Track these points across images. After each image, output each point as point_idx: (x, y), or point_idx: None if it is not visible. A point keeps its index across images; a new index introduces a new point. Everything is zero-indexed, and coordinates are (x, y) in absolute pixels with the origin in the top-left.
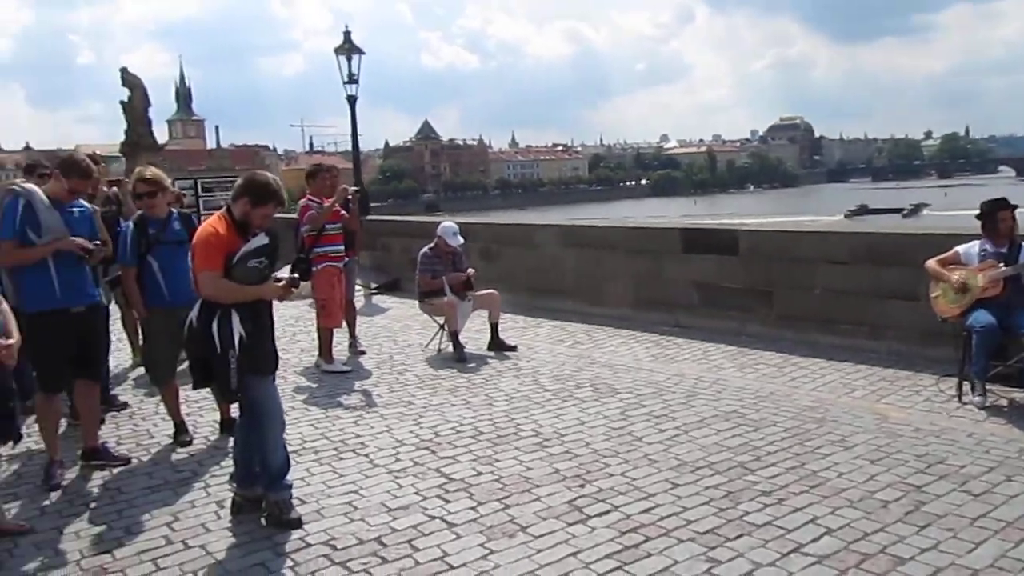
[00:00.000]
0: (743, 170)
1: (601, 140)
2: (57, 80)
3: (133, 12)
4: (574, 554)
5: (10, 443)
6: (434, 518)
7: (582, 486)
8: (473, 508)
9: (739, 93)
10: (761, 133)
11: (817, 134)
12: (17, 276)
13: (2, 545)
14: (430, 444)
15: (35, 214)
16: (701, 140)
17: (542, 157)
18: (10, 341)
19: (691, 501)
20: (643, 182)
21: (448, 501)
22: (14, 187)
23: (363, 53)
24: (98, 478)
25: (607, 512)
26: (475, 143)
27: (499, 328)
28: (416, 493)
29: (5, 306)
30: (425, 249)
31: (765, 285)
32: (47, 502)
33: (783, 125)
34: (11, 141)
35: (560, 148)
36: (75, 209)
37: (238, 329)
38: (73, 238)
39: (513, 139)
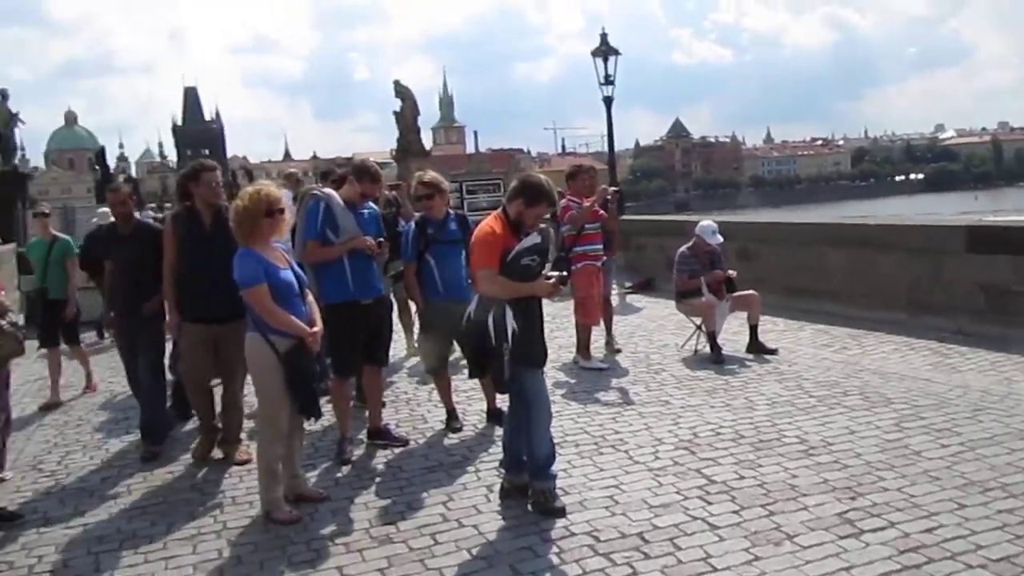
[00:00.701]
0: None
1: (866, 132)
2: (338, 94)
3: (403, 29)
4: (846, 569)
5: (312, 419)
6: (696, 519)
7: (853, 499)
8: (736, 512)
9: None
10: None
11: None
12: (316, 271)
13: (305, 509)
14: (689, 444)
15: (333, 216)
16: (984, 128)
17: (799, 153)
18: (315, 329)
19: (980, 524)
20: (914, 176)
21: (710, 503)
22: (315, 192)
23: (619, 54)
24: (381, 456)
25: (883, 528)
26: (727, 140)
27: (758, 330)
28: (677, 492)
29: (311, 298)
30: (683, 248)
31: None
32: (340, 474)
33: None
34: (300, 151)
35: (819, 142)
36: (365, 211)
37: (511, 323)
38: (364, 237)
39: (768, 135)
